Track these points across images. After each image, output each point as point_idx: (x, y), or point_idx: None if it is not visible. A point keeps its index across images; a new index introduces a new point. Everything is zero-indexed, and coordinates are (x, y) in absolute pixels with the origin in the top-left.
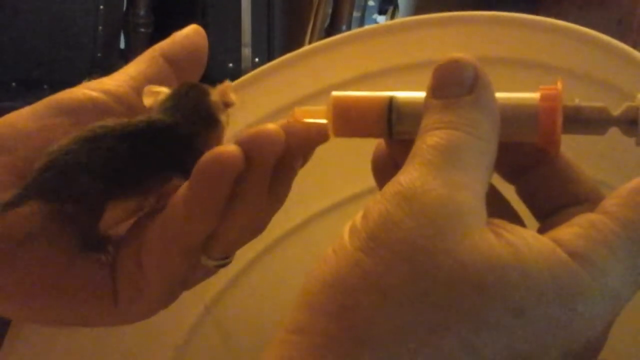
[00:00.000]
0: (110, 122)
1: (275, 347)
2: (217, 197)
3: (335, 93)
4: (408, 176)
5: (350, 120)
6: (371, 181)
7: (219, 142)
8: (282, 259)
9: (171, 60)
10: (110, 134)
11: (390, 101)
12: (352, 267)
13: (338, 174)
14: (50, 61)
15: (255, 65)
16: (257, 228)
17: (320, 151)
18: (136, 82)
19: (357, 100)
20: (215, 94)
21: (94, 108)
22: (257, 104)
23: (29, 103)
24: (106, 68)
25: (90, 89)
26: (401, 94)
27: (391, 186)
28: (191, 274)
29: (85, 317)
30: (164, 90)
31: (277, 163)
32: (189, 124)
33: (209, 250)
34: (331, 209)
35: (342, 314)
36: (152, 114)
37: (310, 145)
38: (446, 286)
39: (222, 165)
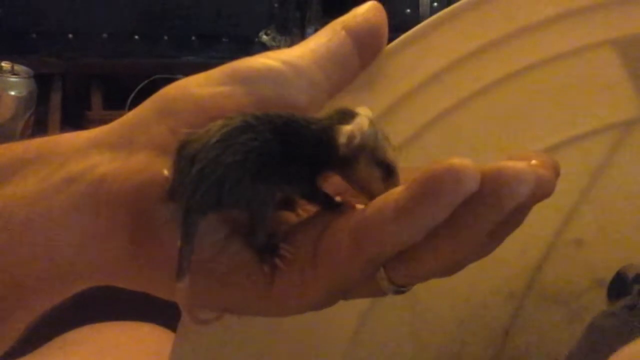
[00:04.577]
0: (256, 113)
1: None
2: (437, 213)
3: None
4: None
5: None
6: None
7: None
8: None
9: (353, 34)
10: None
11: None
12: None
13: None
14: (228, 15)
15: (433, 11)
16: (452, 269)
17: None
18: (318, 55)
19: None
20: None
21: (271, 78)
22: (446, 47)
23: (209, 57)
24: (283, 20)
25: (270, 59)
26: None
27: None
28: (359, 287)
29: (234, 303)
30: (366, 114)
31: None
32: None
33: (393, 273)
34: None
35: None
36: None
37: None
38: None
39: (456, 181)
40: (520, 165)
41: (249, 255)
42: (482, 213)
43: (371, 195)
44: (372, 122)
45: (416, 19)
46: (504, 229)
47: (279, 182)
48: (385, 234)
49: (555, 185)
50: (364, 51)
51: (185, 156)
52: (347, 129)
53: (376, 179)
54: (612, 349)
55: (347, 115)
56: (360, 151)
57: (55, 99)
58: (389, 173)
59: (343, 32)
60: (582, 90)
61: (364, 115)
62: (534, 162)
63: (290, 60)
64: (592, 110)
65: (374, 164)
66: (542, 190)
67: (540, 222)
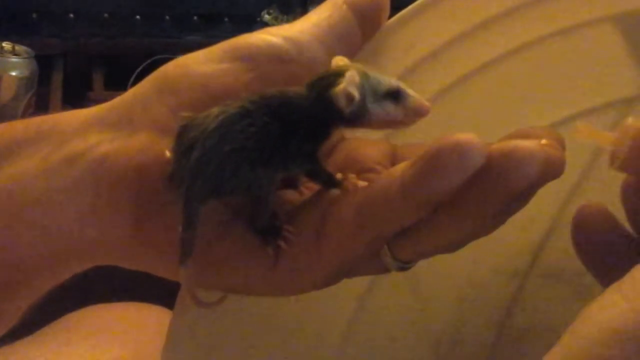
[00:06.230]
0: (252, 96)
1: None
2: (443, 188)
3: (633, 122)
4: None
5: None
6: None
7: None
8: None
9: (355, 8)
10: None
11: None
12: None
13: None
14: None
15: None
16: (456, 246)
17: None
18: (319, 30)
19: None
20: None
21: (272, 55)
22: (445, 24)
23: (210, 37)
24: (285, 1)
25: (270, 34)
26: None
27: None
28: (362, 264)
29: (238, 284)
30: (346, 66)
31: None
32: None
33: (397, 249)
34: None
35: None
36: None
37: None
38: None
39: (462, 156)
40: (531, 144)
41: (252, 237)
42: (491, 192)
43: (394, 125)
44: (356, 67)
45: None
46: (510, 208)
47: (280, 163)
48: (391, 210)
49: (565, 166)
50: (366, 25)
51: (184, 143)
52: (340, 89)
53: (391, 110)
54: None
55: (331, 77)
56: (364, 100)
57: (57, 79)
58: (398, 97)
59: (344, 7)
60: (583, 67)
61: (349, 70)
62: (544, 141)
63: (291, 36)
64: (593, 87)
65: (381, 99)
66: (552, 171)
67: (543, 199)
